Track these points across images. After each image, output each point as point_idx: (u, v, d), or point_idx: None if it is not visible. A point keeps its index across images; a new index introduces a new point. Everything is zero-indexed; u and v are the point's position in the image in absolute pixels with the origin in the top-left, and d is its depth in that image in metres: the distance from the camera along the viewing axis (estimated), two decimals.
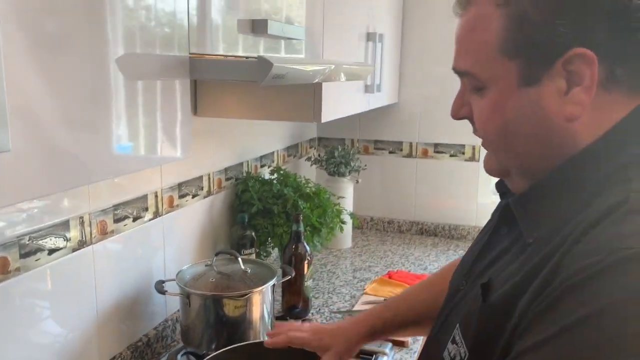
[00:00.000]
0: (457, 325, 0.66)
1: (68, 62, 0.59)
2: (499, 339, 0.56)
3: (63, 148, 0.60)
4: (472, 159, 2.27)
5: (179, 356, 1.10)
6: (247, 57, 0.89)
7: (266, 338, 1.23)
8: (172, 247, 1.44)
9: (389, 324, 0.99)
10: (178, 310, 1.47)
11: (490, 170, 0.69)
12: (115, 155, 0.68)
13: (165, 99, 0.78)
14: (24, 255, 0.99)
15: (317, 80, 0.97)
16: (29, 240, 1.00)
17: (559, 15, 0.55)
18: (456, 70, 0.65)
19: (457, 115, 0.68)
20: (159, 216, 1.37)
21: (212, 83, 1.42)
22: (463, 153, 2.29)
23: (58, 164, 0.59)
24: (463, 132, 2.26)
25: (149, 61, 0.74)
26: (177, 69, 0.79)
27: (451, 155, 2.31)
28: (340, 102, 1.55)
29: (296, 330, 0.99)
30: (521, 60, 0.58)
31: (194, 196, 1.52)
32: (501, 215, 0.71)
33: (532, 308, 0.52)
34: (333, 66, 1.00)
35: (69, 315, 1.11)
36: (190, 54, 0.80)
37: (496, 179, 0.75)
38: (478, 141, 2.40)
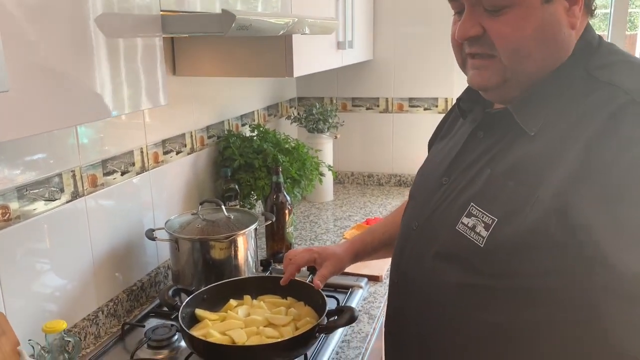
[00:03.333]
0: (471, 203, 0.80)
1: (53, 18, 0.68)
2: (529, 201, 0.74)
3: (54, 92, 0.69)
4: (445, 110, 2.37)
5: (170, 292, 1.22)
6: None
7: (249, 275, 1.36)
8: (159, 200, 1.54)
9: (369, 247, 1.23)
10: (169, 259, 1.59)
11: (488, 84, 0.82)
12: (101, 101, 0.77)
13: (144, 53, 0.86)
14: (23, 205, 1.09)
15: (282, 32, 1.05)
16: (26, 191, 1.09)
17: None
18: None
19: (467, 34, 0.79)
20: (146, 171, 1.47)
21: (188, 44, 1.50)
22: (436, 106, 2.39)
23: (51, 105, 0.68)
24: (436, 86, 2.37)
25: (125, 20, 0.82)
26: (151, 25, 0.87)
27: (425, 109, 2.41)
28: (313, 58, 1.64)
29: (297, 256, 1.22)
30: None
31: (177, 152, 1.61)
32: (480, 123, 0.87)
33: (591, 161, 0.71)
34: (296, 19, 1.09)
35: (67, 262, 1.22)
36: (161, 11, 0.88)
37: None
38: (450, 94, 2.53)
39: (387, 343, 1.02)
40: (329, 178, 2.22)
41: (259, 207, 1.97)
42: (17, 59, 0.63)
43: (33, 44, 0.65)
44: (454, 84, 2.32)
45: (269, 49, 1.42)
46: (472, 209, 0.80)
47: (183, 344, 1.23)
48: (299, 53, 1.45)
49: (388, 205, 2.23)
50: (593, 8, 0.84)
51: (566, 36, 0.79)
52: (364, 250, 1.23)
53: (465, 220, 0.81)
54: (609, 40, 2.34)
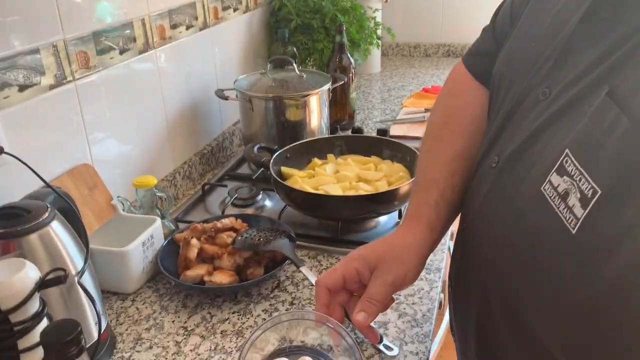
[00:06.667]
0: (567, 151, 0.48)
1: None
2: None
3: None
4: None
5: (255, 149, 1.16)
6: None
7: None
8: (220, 61, 1.44)
9: (448, 208, 0.72)
10: (234, 124, 1.53)
11: None
12: None
13: None
14: (99, 52, 1.00)
15: None
16: (102, 38, 1.00)
17: None
18: None
19: None
20: (207, 27, 1.36)
21: None
22: None
23: None
24: None
25: None
26: None
27: None
28: None
29: (326, 274, 0.71)
30: None
31: (234, 10, 1.49)
32: None
33: None
34: None
35: (144, 120, 1.15)
36: None
37: None
38: None
39: (450, 294, 0.76)
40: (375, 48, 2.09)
41: None
42: None
43: None
44: None
45: None
46: (567, 162, 0.48)
47: (268, 202, 1.20)
48: None
49: (441, 76, 2.12)
50: None
51: None
52: (439, 220, 0.72)
53: (555, 179, 0.49)
54: None
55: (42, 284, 0.51)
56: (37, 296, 0.51)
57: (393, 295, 0.71)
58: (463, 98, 0.77)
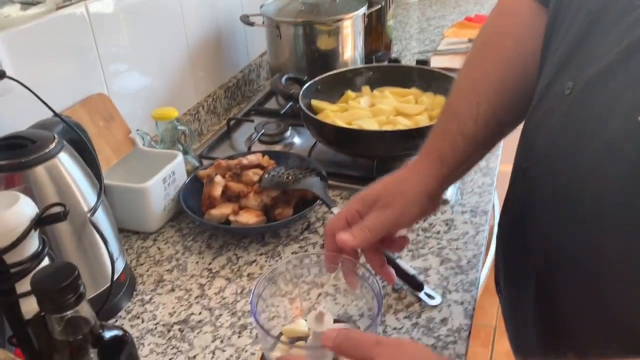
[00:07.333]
0: None
1: None
2: None
3: None
4: None
5: (282, 79, 1.07)
6: None
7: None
8: None
9: (461, 143, 0.62)
10: (261, 55, 1.43)
11: None
12: None
13: None
14: None
15: None
16: None
17: None
18: None
19: None
20: None
21: None
22: None
23: None
24: None
25: None
26: None
27: None
28: None
29: (332, 221, 0.63)
30: None
31: None
32: None
33: None
34: None
35: (164, 51, 1.06)
36: None
37: None
38: None
39: (500, 242, 0.67)
40: None
41: None
42: None
43: None
44: None
45: None
46: None
47: (297, 139, 1.11)
48: None
49: (485, 4, 1.95)
50: None
51: None
52: (454, 153, 0.63)
53: None
54: None
55: (39, 221, 0.44)
56: (35, 235, 0.45)
57: (408, 236, 0.63)
58: (513, 15, 0.65)
